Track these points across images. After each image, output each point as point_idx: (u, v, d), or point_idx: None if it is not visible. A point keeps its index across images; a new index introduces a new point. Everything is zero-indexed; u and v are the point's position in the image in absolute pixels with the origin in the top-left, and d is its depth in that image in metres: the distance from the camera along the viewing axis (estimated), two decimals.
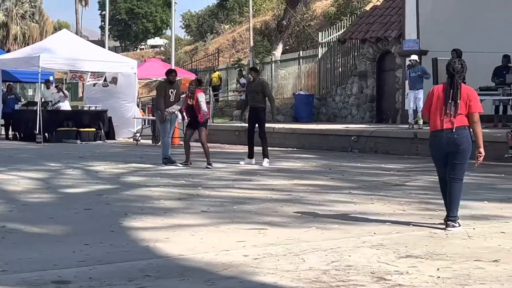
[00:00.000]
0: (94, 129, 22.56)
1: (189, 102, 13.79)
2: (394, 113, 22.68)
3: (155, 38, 79.76)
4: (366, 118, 24.13)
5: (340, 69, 26.52)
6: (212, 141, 18.93)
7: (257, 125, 14.47)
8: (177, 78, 16.32)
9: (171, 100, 14.28)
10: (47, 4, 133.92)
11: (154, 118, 17.95)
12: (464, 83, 7.38)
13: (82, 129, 22.24)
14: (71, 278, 5.09)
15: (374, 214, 8.06)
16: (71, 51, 22.93)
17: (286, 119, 24.94)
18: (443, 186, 7.40)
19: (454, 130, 7.11)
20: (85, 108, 24.10)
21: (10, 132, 23.83)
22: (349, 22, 27.67)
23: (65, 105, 23.68)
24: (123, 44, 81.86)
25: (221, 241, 6.47)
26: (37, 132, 21.15)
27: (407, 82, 18.94)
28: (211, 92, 29.33)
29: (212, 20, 55.69)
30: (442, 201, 7.44)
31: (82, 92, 34.25)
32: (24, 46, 40.93)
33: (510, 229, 7.22)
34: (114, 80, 24.31)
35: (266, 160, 14.27)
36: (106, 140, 22.57)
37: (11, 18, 51.71)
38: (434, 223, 7.41)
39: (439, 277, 5.18)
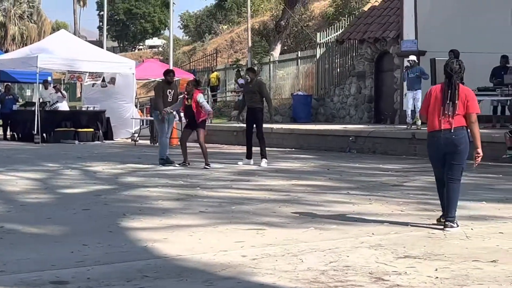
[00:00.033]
0: (92, 130, 22.56)
1: (186, 102, 13.78)
2: (392, 114, 22.68)
3: (153, 38, 79.79)
4: (364, 119, 24.13)
5: (338, 70, 26.51)
6: (210, 142, 18.92)
7: (255, 125, 14.48)
8: (175, 78, 16.32)
9: (169, 100, 14.29)
10: (45, 4, 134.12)
11: (152, 118, 17.94)
12: (463, 83, 7.39)
13: (80, 130, 22.24)
14: (69, 279, 5.09)
15: (372, 215, 8.06)
16: (69, 52, 22.93)
17: (284, 120, 24.94)
18: (439, 187, 7.40)
19: (452, 131, 7.12)
20: (83, 109, 24.11)
21: (8, 133, 23.83)
22: (347, 22, 27.67)
23: (63, 106, 23.67)
24: (121, 45, 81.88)
25: (219, 242, 6.47)
26: (35, 132, 21.16)
27: (405, 83, 18.95)
28: (209, 92, 29.34)
29: (210, 21, 55.69)
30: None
31: (80, 92, 34.24)
32: (22, 46, 40.84)
33: (508, 229, 7.22)
34: (112, 81, 24.32)
35: (264, 160, 14.27)
36: (104, 141, 22.57)
37: (9, 19, 51.63)
38: (432, 224, 7.41)
39: (437, 277, 5.19)
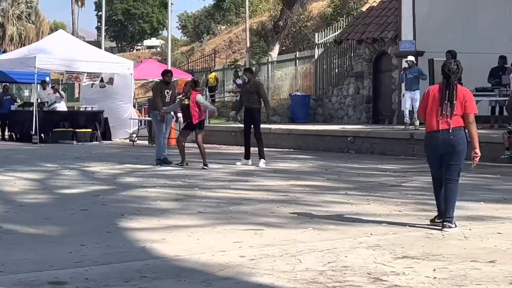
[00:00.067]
0: (90, 130, 22.54)
1: (184, 103, 13.77)
2: (391, 114, 22.69)
3: (152, 38, 79.68)
4: (362, 119, 24.14)
5: (336, 70, 26.52)
6: (209, 142, 18.92)
7: (252, 126, 14.47)
8: (173, 78, 16.32)
9: (166, 100, 14.29)
10: (44, 4, 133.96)
11: (150, 119, 17.93)
12: (461, 84, 7.39)
13: (78, 130, 22.22)
14: (67, 279, 5.09)
15: (371, 215, 8.06)
16: (67, 52, 22.91)
17: (283, 120, 24.95)
18: (436, 187, 7.41)
19: (450, 131, 7.12)
20: (81, 109, 24.11)
21: (6, 133, 23.83)
22: (345, 23, 27.66)
23: (61, 106, 23.66)
24: (119, 45, 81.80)
25: (218, 242, 6.46)
26: (33, 132, 21.14)
27: (403, 84, 18.96)
28: (207, 93, 29.31)
29: (208, 21, 55.68)
30: None
31: (78, 92, 34.19)
32: (20, 46, 40.86)
33: (506, 229, 7.23)
34: (111, 81, 24.31)
35: (262, 160, 14.27)
36: (102, 141, 22.55)
37: (7, 19, 51.62)
38: (428, 224, 7.41)
39: (435, 277, 5.19)
